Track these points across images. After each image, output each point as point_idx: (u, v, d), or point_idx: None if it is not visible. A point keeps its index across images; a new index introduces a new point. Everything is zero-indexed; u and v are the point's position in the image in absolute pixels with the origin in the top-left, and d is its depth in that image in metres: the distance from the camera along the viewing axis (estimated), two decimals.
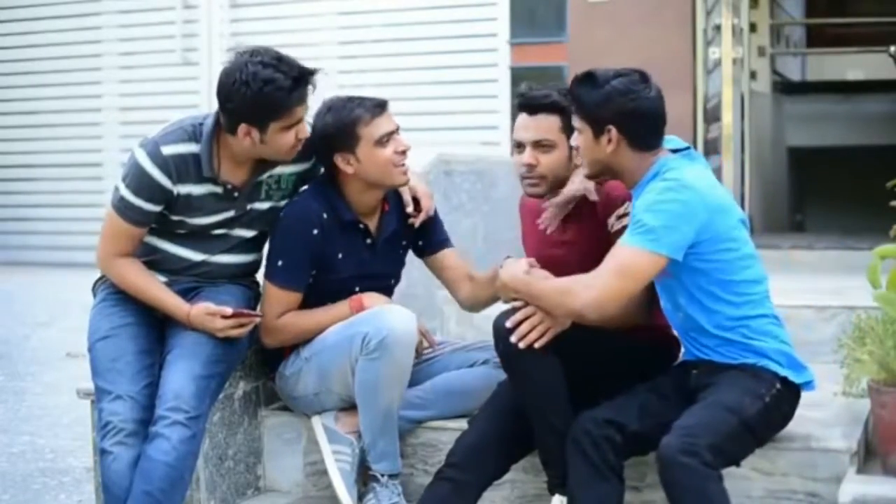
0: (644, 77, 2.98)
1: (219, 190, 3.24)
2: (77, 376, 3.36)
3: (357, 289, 3.41)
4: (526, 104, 3.22)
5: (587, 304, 2.84)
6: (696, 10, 6.52)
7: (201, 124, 3.21)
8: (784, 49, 8.80)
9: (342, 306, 3.36)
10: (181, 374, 3.10)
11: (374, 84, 6.86)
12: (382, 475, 3.31)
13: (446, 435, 3.35)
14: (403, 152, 3.32)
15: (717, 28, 6.38)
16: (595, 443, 2.88)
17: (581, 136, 2.99)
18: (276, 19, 7.73)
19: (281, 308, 3.35)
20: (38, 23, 8.68)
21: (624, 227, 3.05)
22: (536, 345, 2.93)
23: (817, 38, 9.86)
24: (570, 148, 3.12)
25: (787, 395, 2.96)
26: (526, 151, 3.20)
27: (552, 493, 3.08)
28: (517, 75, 6.94)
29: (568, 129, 3.13)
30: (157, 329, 3.28)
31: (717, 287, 2.93)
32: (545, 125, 3.19)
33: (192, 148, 3.19)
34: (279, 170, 3.32)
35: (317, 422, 3.44)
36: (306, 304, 3.39)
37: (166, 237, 3.31)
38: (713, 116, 6.46)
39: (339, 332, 3.33)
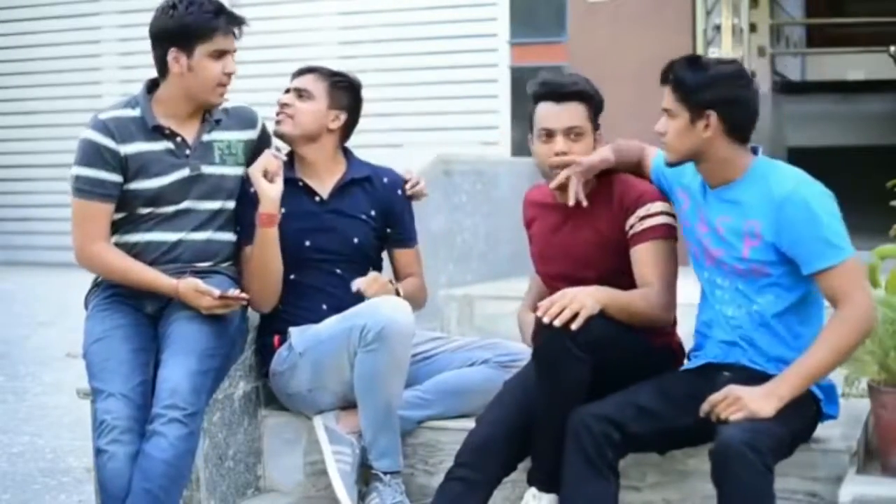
0: (746, 70, 2.94)
1: (170, 145, 3.32)
2: (77, 376, 3.36)
3: (307, 243, 3.45)
4: (553, 92, 3.17)
5: (868, 318, 2.77)
6: (696, 10, 6.51)
7: (134, 96, 3.37)
8: (784, 49, 8.79)
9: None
10: (177, 371, 3.11)
11: (374, 84, 6.84)
12: (385, 474, 3.30)
13: (446, 435, 3.35)
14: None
15: (717, 28, 6.37)
16: (594, 439, 2.85)
17: (673, 121, 2.89)
18: (276, 19, 7.72)
19: None
20: (38, 23, 8.68)
21: (646, 230, 3.05)
22: (574, 325, 2.84)
23: (817, 38, 9.86)
24: (595, 138, 3.16)
25: (814, 422, 2.94)
26: (557, 139, 3.15)
27: (530, 483, 3.06)
28: (517, 75, 6.93)
29: (594, 119, 3.17)
30: (149, 328, 3.30)
31: (807, 304, 2.88)
32: (576, 113, 3.16)
33: (130, 112, 3.33)
34: (226, 135, 3.40)
35: (318, 422, 3.43)
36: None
37: (137, 230, 3.34)
38: None
39: (335, 325, 3.33)
